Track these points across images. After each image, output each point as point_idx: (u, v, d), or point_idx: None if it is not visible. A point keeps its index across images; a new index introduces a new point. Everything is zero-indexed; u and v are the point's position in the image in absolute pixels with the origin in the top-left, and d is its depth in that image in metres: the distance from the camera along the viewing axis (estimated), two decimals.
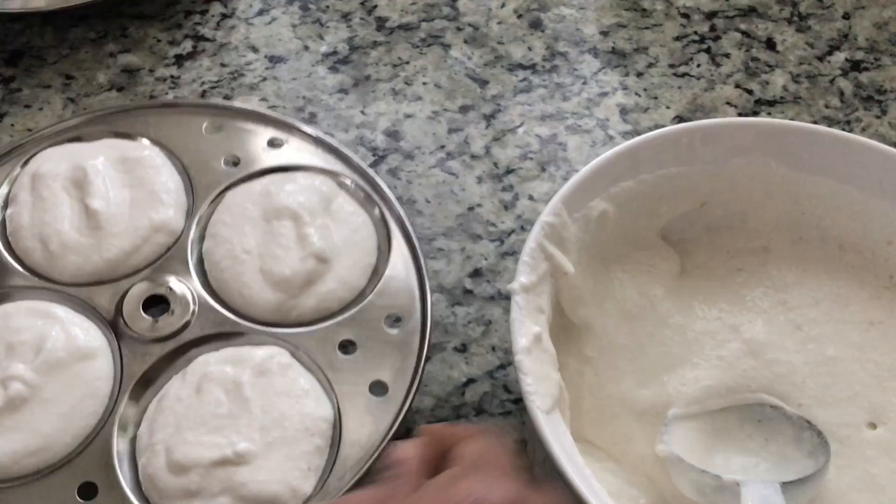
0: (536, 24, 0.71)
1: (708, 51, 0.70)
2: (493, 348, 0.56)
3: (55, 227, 0.53)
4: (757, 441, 0.48)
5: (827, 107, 0.67)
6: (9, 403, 0.48)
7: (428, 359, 0.51)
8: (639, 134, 0.65)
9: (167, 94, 0.66)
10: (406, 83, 0.68)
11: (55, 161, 0.56)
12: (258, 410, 0.48)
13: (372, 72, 0.68)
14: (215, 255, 0.53)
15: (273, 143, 0.58)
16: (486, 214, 0.62)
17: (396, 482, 0.38)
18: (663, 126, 0.65)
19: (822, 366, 0.50)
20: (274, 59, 0.69)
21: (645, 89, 0.68)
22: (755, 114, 0.66)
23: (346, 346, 0.51)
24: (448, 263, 0.59)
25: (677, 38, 0.71)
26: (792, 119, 0.66)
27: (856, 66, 0.69)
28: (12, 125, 0.64)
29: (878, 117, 0.66)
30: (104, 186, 0.55)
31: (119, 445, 0.48)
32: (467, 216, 0.61)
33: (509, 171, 0.64)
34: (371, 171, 0.57)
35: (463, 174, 0.63)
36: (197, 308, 0.52)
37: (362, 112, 0.66)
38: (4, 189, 0.56)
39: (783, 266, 0.53)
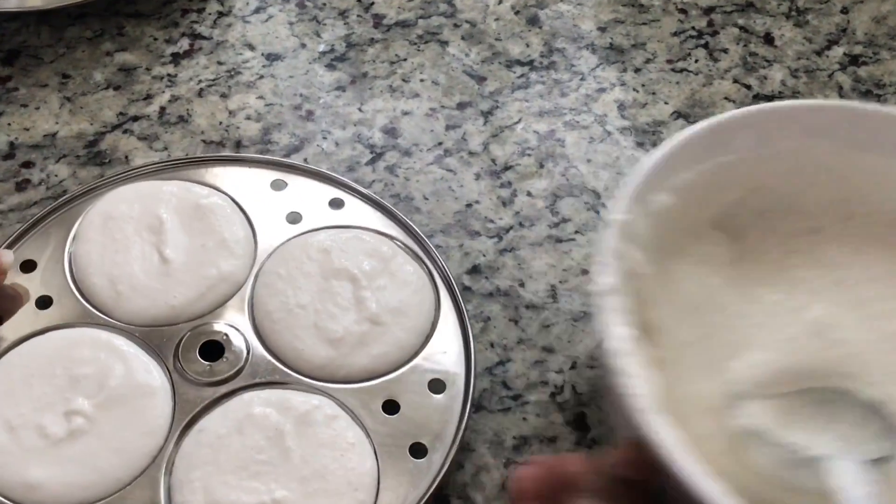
0: (534, 21, 0.71)
1: (706, 46, 0.70)
2: (492, 344, 0.56)
3: (126, 269, 0.55)
4: (820, 423, 0.47)
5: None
6: (69, 435, 0.49)
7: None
8: (637, 130, 0.65)
9: (164, 92, 0.66)
10: (403, 80, 0.67)
11: (128, 203, 0.57)
12: (299, 460, 0.48)
13: (369, 69, 0.68)
14: (269, 306, 0.54)
15: (334, 204, 0.59)
16: (484, 211, 0.61)
17: None
18: (662, 122, 0.65)
19: (887, 341, 0.49)
20: (271, 57, 0.68)
21: (643, 85, 0.68)
22: None
23: (390, 406, 0.51)
24: (446, 260, 0.58)
25: (675, 34, 0.70)
26: None
27: (854, 60, 0.69)
28: (9, 124, 0.64)
29: None
30: (178, 234, 0.56)
31: (164, 483, 0.49)
32: (465, 213, 0.61)
33: (507, 168, 0.63)
34: (422, 235, 0.57)
35: (461, 171, 0.63)
36: (250, 356, 0.53)
37: (359, 109, 0.66)
38: (74, 226, 0.57)
39: (836, 245, 0.53)
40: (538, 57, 0.69)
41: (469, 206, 0.62)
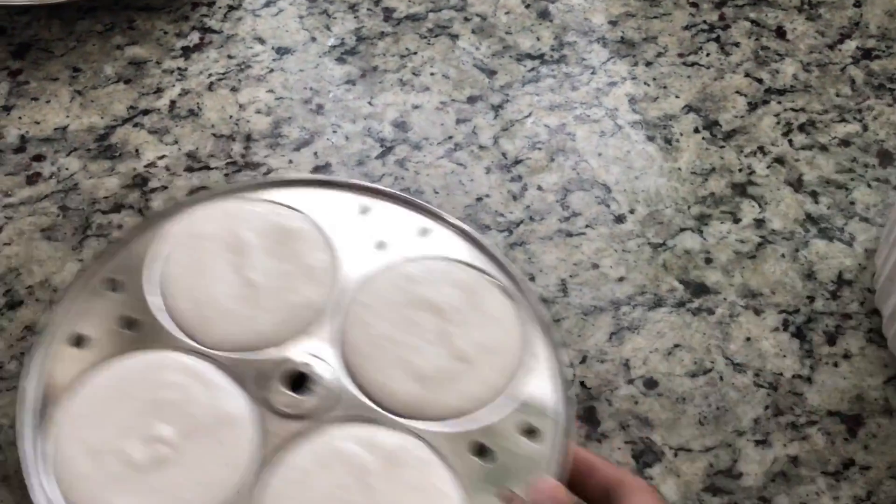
0: (544, 14, 0.71)
1: (717, 40, 0.69)
2: None
3: (210, 291, 0.53)
4: None
5: (838, 95, 0.66)
6: (153, 463, 0.48)
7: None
8: (647, 124, 0.65)
9: (174, 86, 0.66)
10: (414, 74, 0.67)
11: (214, 222, 0.56)
12: (386, 502, 0.47)
13: (379, 63, 0.68)
14: (354, 337, 0.52)
15: (422, 232, 0.56)
16: (494, 205, 0.61)
17: None
18: (673, 116, 0.65)
19: None
20: (281, 51, 0.68)
21: (654, 79, 0.67)
22: (765, 103, 0.66)
23: (480, 450, 0.49)
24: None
25: (686, 28, 0.70)
26: (802, 108, 0.66)
27: (867, 54, 0.69)
28: (20, 118, 0.64)
29: (889, 105, 0.66)
30: (262, 258, 0.54)
31: None
32: (475, 207, 0.61)
33: (517, 162, 0.63)
34: (512, 267, 0.54)
35: (471, 165, 0.63)
36: (335, 389, 0.51)
37: (370, 103, 0.66)
38: (163, 245, 0.55)
39: None
40: (549, 51, 0.69)
41: (479, 200, 0.61)
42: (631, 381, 0.55)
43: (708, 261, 0.59)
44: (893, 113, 0.66)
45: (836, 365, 0.55)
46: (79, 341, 0.51)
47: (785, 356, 0.56)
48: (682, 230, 0.60)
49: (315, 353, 0.52)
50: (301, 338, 0.52)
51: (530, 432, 0.49)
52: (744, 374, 0.55)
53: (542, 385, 0.50)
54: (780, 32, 0.70)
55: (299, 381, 0.51)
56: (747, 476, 0.52)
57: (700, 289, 0.58)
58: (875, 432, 0.53)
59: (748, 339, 0.56)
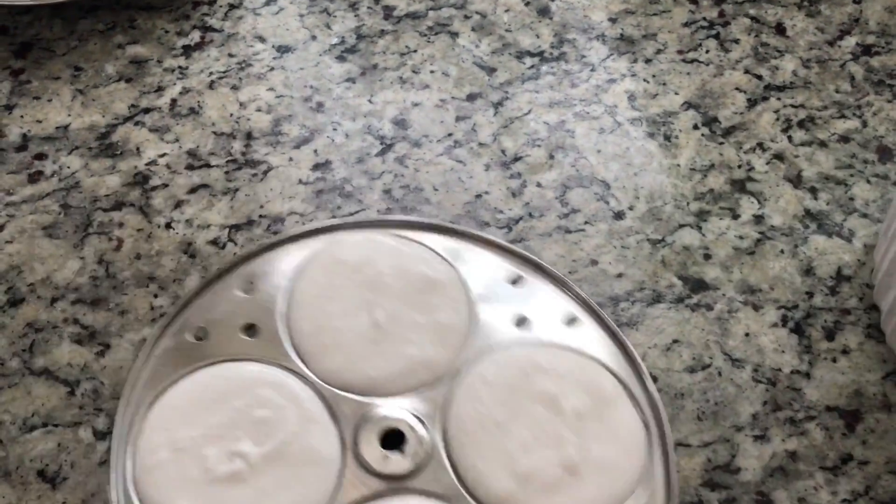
0: (544, 12, 0.71)
1: (717, 36, 0.69)
2: None
3: (335, 322, 0.52)
4: None
5: (837, 91, 0.67)
6: (228, 477, 0.47)
7: None
8: (647, 120, 0.65)
9: (175, 84, 0.66)
10: (413, 71, 0.67)
11: (359, 251, 0.54)
12: None
13: (379, 60, 0.68)
14: (463, 412, 0.49)
15: (570, 320, 0.53)
16: (493, 202, 0.61)
17: None
18: (672, 112, 0.65)
19: None
20: (281, 49, 0.69)
21: (653, 75, 0.67)
22: (765, 99, 0.66)
23: None
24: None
25: (686, 24, 0.70)
26: (802, 104, 0.66)
27: (867, 50, 0.69)
28: (21, 117, 0.65)
29: (889, 101, 0.66)
30: (398, 303, 0.52)
31: None
32: (475, 204, 0.61)
33: (517, 159, 0.63)
34: (650, 378, 0.51)
35: (470, 162, 0.63)
36: (429, 460, 0.48)
37: (370, 101, 0.66)
38: (304, 261, 0.54)
39: None
40: (548, 48, 0.69)
41: (479, 196, 0.62)
42: None
43: (707, 257, 0.59)
44: (893, 109, 0.66)
45: (834, 360, 0.56)
46: (200, 335, 0.52)
47: (783, 352, 0.56)
48: (682, 226, 0.60)
49: (419, 416, 0.49)
50: (410, 396, 0.50)
51: None
52: (742, 370, 0.55)
53: None
54: (780, 29, 0.70)
55: (395, 438, 0.49)
56: (745, 471, 0.52)
57: (699, 285, 0.58)
58: (873, 427, 0.53)
59: (747, 334, 0.56)
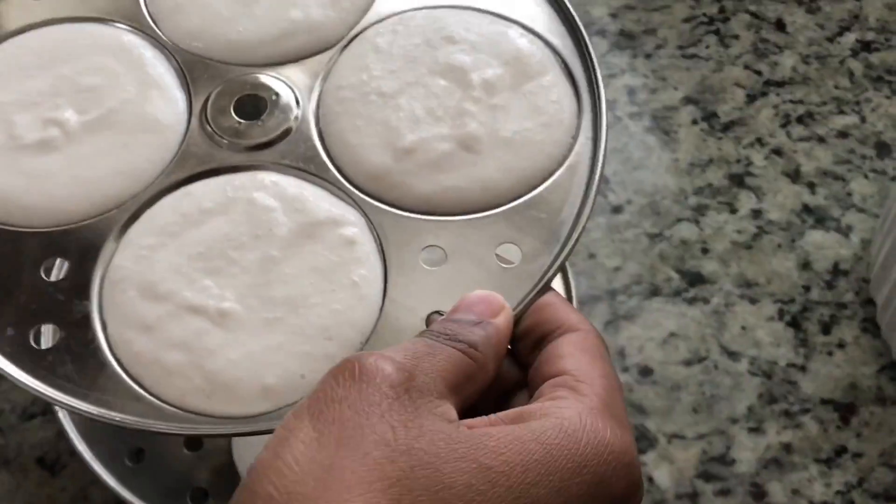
0: None
1: (717, 32, 0.70)
2: None
3: None
4: None
5: (836, 87, 0.67)
6: (37, 145, 0.41)
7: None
8: (646, 115, 0.65)
9: None
10: None
11: None
12: (275, 277, 0.38)
13: None
14: (343, 80, 0.42)
15: None
16: None
17: (476, 353, 0.32)
18: (672, 107, 0.66)
19: None
20: None
21: (653, 71, 0.68)
22: (764, 95, 0.66)
23: (433, 256, 0.38)
24: None
25: (686, 20, 0.70)
26: (801, 100, 0.66)
27: (866, 46, 0.69)
28: None
29: (887, 97, 0.66)
30: None
31: (113, 237, 0.39)
32: None
33: None
34: (594, 56, 0.42)
35: None
36: (292, 132, 0.41)
37: None
38: None
39: None
40: None
41: None
42: (626, 369, 0.55)
43: (704, 251, 0.60)
44: (891, 105, 0.66)
45: (830, 354, 0.56)
46: None
47: (779, 345, 0.56)
48: (680, 220, 0.61)
49: (290, 85, 0.43)
50: (287, 66, 0.43)
51: (508, 254, 0.38)
52: (738, 363, 0.55)
53: (555, 207, 0.39)
54: (780, 25, 0.70)
55: (257, 108, 0.42)
56: (740, 463, 0.52)
57: (696, 278, 0.58)
58: (868, 420, 0.53)
59: (743, 328, 0.57)
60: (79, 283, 0.38)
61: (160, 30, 0.44)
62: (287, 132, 0.41)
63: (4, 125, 0.41)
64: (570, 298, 0.45)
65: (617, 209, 0.61)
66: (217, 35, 0.44)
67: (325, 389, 0.30)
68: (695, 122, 0.65)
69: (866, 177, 0.63)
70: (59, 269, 0.39)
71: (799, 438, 0.53)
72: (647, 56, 0.69)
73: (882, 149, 0.64)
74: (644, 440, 0.53)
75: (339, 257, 0.38)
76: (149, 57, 0.43)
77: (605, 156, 0.40)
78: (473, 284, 0.36)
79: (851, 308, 0.57)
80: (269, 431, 0.31)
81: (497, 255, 0.38)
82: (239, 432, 0.36)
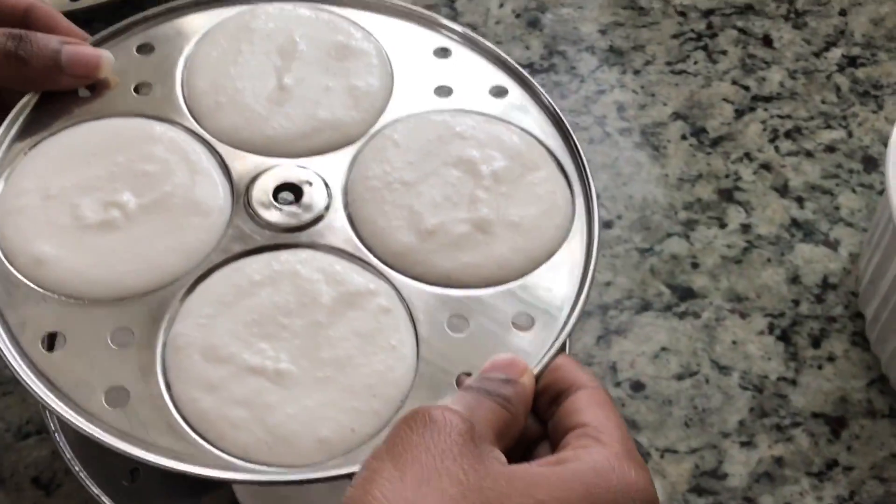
0: (535, 24, 0.72)
1: (705, 48, 0.70)
2: None
3: (236, 82, 0.50)
4: None
5: (823, 102, 0.67)
6: (99, 225, 0.45)
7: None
8: (636, 131, 0.66)
9: None
10: None
11: (271, 19, 0.52)
12: (324, 340, 0.42)
13: None
14: (369, 170, 0.47)
15: (498, 91, 0.51)
16: None
17: (510, 406, 0.37)
18: (661, 123, 0.66)
19: None
20: None
21: (642, 86, 0.68)
22: (752, 110, 0.67)
23: (457, 324, 0.43)
24: None
25: (674, 36, 0.71)
26: (788, 115, 0.67)
27: (852, 61, 0.70)
28: None
29: (874, 112, 0.67)
30: (307, 67, 0.51)
31: (173, 307, 0.44)
32: None
33: None
34: (584, 156, 0.48)
35: None
36: (326, 215, 0.46)
37: None
38: (213, 28, 0.52)
39: None
40: (538, 59, 0.70)
41: None
42: (618, 384, 0.56)
43: (694, 265, 0.60)
44: (877, 120, 0.67)
45: (820, 367, 0.56)
46: (92, 87, 0.49)
47: (770, 359, 0.57)
48: (670, 235, 0.61)
49: (322, 175, 0.48)
50: (315, 157, 0.48)
51: (523, 322, 0.44)
52: (729, 377, 0.56)
53: (559, 282, 0.45)
54: (767, 40, 0.71)
55: (293, 198, 0.47)
56: (732, 477, 0.53)
57: (687, 293, 0.59)
58: (858, 433, 0.54)
59: (734, 342, 0.57)
60: (144, 349, 0.42)
61: (202, 126, 0.49)
62: (320, 217, 0.46)
63: (69, 208, 0.45)
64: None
65: (607, 224, 0.62)
66: (254, 131, 0.48)
67: (400, 436, 0.35)
68: (684, 137, 0.66)
69: (854, 191, 0.63)
70: (125, 338, 0.43)
71: (790, 452, 0.53)
72: (636, 72, 0.69)
73: (869, 163, 0.64)
74: None
75: (378, 323, 0.43)
76: (193, 148, 0.48)
77: (599, 236, 0.46)
78: (495, 349, 0.42)
79: (841, 321, 0.58)
80: (331, 479, 0.38)
81: (513, 322, 0.43)
82: (302, 479, 0.40)
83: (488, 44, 0.52)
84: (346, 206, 0.47)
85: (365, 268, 0.45)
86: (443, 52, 0.52)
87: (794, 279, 0.60)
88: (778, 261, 0.60)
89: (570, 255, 0.46)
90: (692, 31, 0.71)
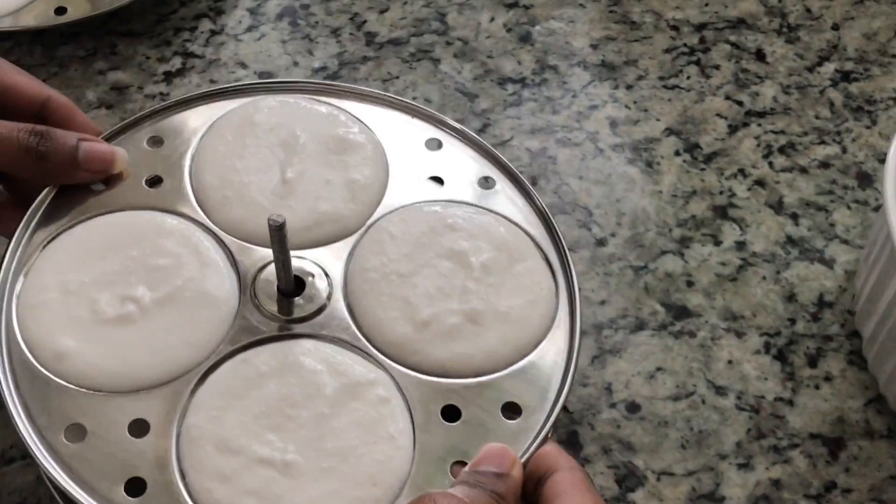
0: (526, 38, 0.71)
1: (698, 63, 0.70)
2: None
3: (242, 176, 0.52)
4: None
5: (817, 117, 0.67)
6: (116, 320, 0.48)
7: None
8: (628, 146, 0.65)
9: None
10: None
11: (273, 113, 0.55)
12: (328, 431, 0.45)
13: (362, 87, 0.68)
14: (367, 262, 0.50)
15: (485, 182, 0.54)
16: None
17: (504, 502, 0.41)
18: (654, 138, 0.65)
19: None
20: (263, 75, 0.69)
21: (635, 102, 0.68)
22: (745, 125, 0.66)
23: (451, 413, 0.46)
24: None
25: (667, 51, 0.71)
26: (782, 130, 0.66)
27: (846, 76, 0.69)
28: None
29: (868, 127, 0.66)
30: (308, 160, 0.53)
31: (185, 400, 0.46)
32: None
33: None
34: (566, 245, 0.52)
35: None
36: (327, 306, 0.49)
37: None
38: (219, 121, 0.55)
39: None
40: (530, 74, 0.69)
41: None
42: (613, 405, 0.55)
43: (689, 283, 0.59)
44: (871, 135, 0.66)
45: (817, 387, 0.56)
46: (106, 180, 0.52)
47: (766, 379, 0.56)
48: (664, 253, 0.61)
49: (323, 267, 0.50)
50: (317, 249, 0.51)
51: (511, 410, 0.46)
52: (726, 398, 0.55)
53: (545, 371, 0.48)
54: (760, 55, 0.70)
55: (296, 288, 0.50)
56: (730, 500, 0.52)
57: (682, 312, 0.58)
58: (856, 454, 0.53)
59: (730, 361, 0.56)
60: (160, 440, 0.45)
61: (210, 219, 0.51)
62: (322, 308, 0.49)
63: (88, 302, 0.48)
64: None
65: (601, 242, 0.61)
66: (260, 224, 0.49)
67: None
68: (677, 153, 0.65)
69: (849, 207, 0.63)
70: (142, 428, 0.45)
71: (788, 474, 0.53)
72: (629, 87, 0.69)
73: (863, 179, 0.64)
74: (633, 478, 0.52)
75: (378, 413, 0.46)
76: (203, 241, 0.51)
77: (581, 326, 0.49)
78: (486, 437, 0.45)
79: (837, 340, 0.57)
80: None
81: (502, 410, 0.46)
82: None
83: (477, 137, 0.56)
84: (346, 296, 0.50)
85: (364, 357, 0.48)
86: (435, 144, 0.56)
87: (790, 297, 0.59)
88: (773, 278, 0.60)
89: (555, 345, 0.49)
90: (685, 45, 0.71)
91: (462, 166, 0.55)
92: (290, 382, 0.46)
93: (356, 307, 0.49)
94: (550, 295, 0.50)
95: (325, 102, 0.56)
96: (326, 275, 0.50)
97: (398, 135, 0.56)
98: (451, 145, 0.56)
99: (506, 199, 0.54)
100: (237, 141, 0.54)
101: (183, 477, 0.44)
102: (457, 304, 0.49)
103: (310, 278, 0.50)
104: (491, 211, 0.53)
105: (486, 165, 0.55)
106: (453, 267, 0.50)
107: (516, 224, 0.52)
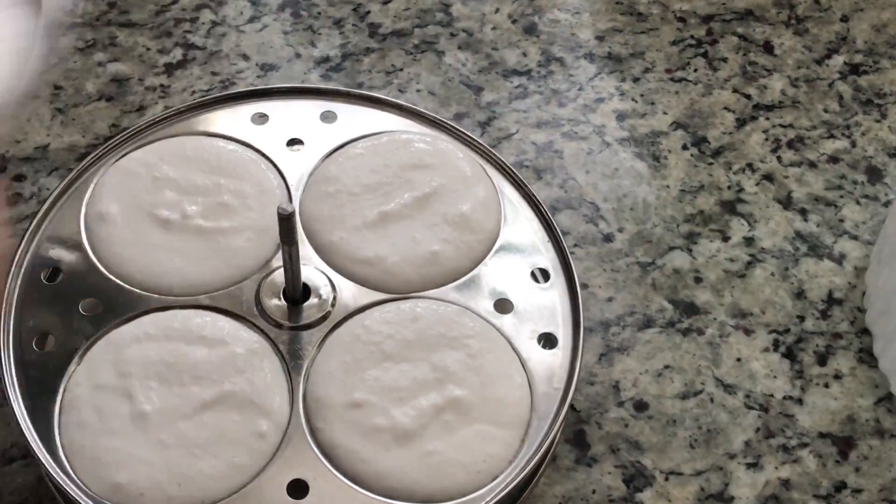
0: (531, 30, 0.70)
1: (705, 55, 0.69)
2: None
3: (156, 243, 0.52)
4: None
5: (826, 111, 0.66)
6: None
7: None
8: (635, 140, 0.64)
9: (157, 103, 0.65)
10: (400, 90, 0.67)
11: (150, 166, 0.54)
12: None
13: (365, 79, 0.67)
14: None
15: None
16: None
17: None
18: (661, 132, 0.65)
19: None
20: (265, 67, 0.68)
21: (641, 95, 0.67)
22: (753, 119, 0.66)
23: None
24: None
25: (674, 43, 0.70)
26: (790, 124, 0.65)
27: (854, 69, 0.68)
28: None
29: (877, 121, 0.66)
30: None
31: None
32: None
33: None
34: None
35: None
36: (331, 296, 0.50)
37: None
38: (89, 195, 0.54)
39: None
40: (535, 66, 0.68)
41: None
42: (621, 404, 0.54)
43: (697, 280, 0.59)
44: (881, 129, 0.65)
45: (826, 386, 0.55)
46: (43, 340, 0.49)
47: (776, 377, 0.55)
48: (672, 249, 0.60)
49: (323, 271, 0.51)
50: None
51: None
52: (734, 396, 0.55)
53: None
54: (768, 47, 0.70)
55: (301, 297, 0.50)
56: (739, 500, 0.51)
57: (690, 309, 0.58)
58: (866, 454, 0.53)
59: (738, 359, 0.56)
60: None
61: (174, 294, 0.51)
62: (329, 298, 0.51)
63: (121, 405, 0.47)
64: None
65: (608, 238, 0.60)
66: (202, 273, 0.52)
67: None
68: (685, 147, 0.64)
69: (858, 203, 0.62)
70: None
71: (797, 474, 0.52)
72: (636, 80, 0.68)
73: (873, 174, 0.63)
74: (641, 478, 0.52)
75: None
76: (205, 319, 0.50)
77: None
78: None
79: (847, 338, 0.57)
80: None
81: None
82: None
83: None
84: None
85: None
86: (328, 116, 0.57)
87: (799, 294, 0.58)
88: (782, 275, 0.59)
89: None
90: (692, 37, 0.70)
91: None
92: (392, 328, 0.49)
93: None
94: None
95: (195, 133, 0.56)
96: (319, 270, 0.51)
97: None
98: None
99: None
100: (137, 214, 0.53)
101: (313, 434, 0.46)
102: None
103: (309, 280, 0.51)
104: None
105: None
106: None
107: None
